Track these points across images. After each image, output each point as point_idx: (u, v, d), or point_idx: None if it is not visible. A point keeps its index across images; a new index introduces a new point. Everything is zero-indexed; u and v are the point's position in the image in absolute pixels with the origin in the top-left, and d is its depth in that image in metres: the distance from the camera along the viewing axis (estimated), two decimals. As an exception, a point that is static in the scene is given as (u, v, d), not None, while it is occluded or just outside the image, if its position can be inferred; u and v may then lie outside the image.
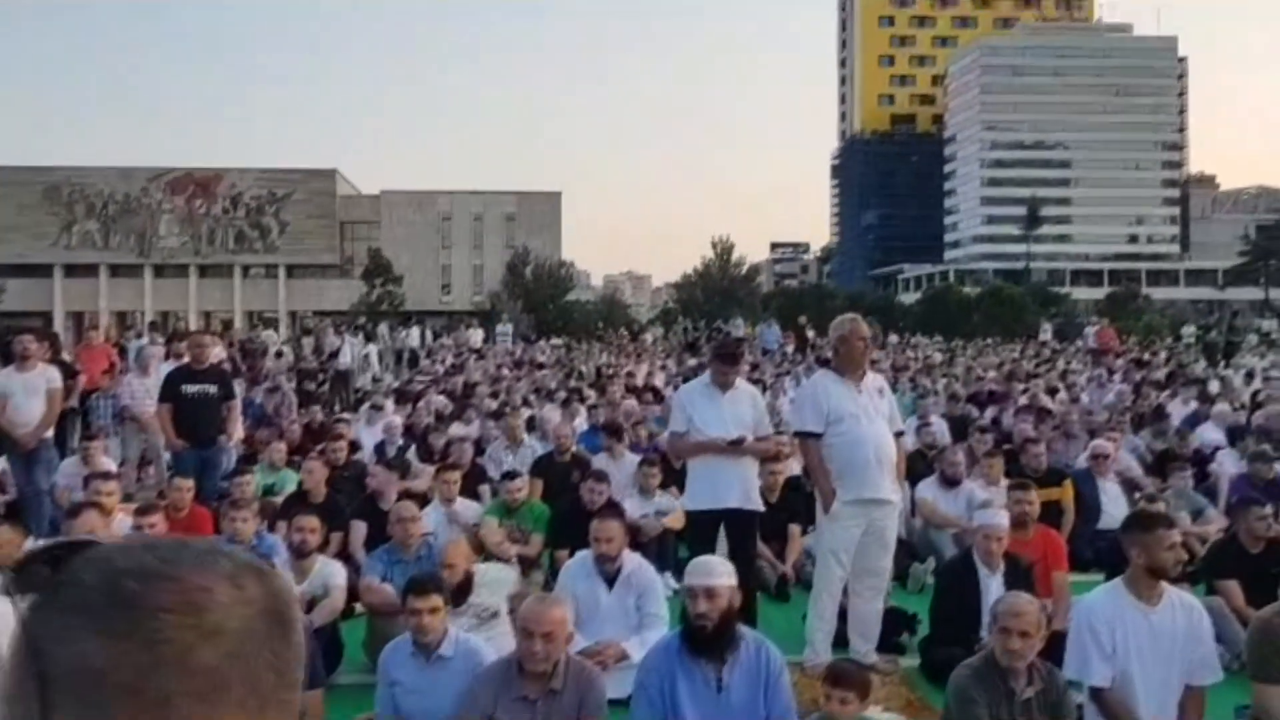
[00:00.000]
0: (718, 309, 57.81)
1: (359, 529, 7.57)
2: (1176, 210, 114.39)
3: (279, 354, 20.77)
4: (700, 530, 6.13)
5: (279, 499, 8.40)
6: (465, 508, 7.87)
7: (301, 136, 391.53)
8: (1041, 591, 5.95)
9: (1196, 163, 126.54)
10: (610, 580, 5.51)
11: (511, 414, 11.38)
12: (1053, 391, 15.85)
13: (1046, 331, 36.17)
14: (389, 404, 14.43)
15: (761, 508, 6.25)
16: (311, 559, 5.97)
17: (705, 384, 6.35)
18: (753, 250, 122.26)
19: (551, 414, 13.39)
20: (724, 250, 72.85)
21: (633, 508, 7.78)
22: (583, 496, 7.40)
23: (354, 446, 11.03)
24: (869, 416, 5.62)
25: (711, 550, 6.14)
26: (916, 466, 9.56)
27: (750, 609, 6.06)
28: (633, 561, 5.62)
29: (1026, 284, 75.89)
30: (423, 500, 7.77)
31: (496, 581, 5.34)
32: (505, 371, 21.41)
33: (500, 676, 3.94)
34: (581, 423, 12.59)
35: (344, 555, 7.10)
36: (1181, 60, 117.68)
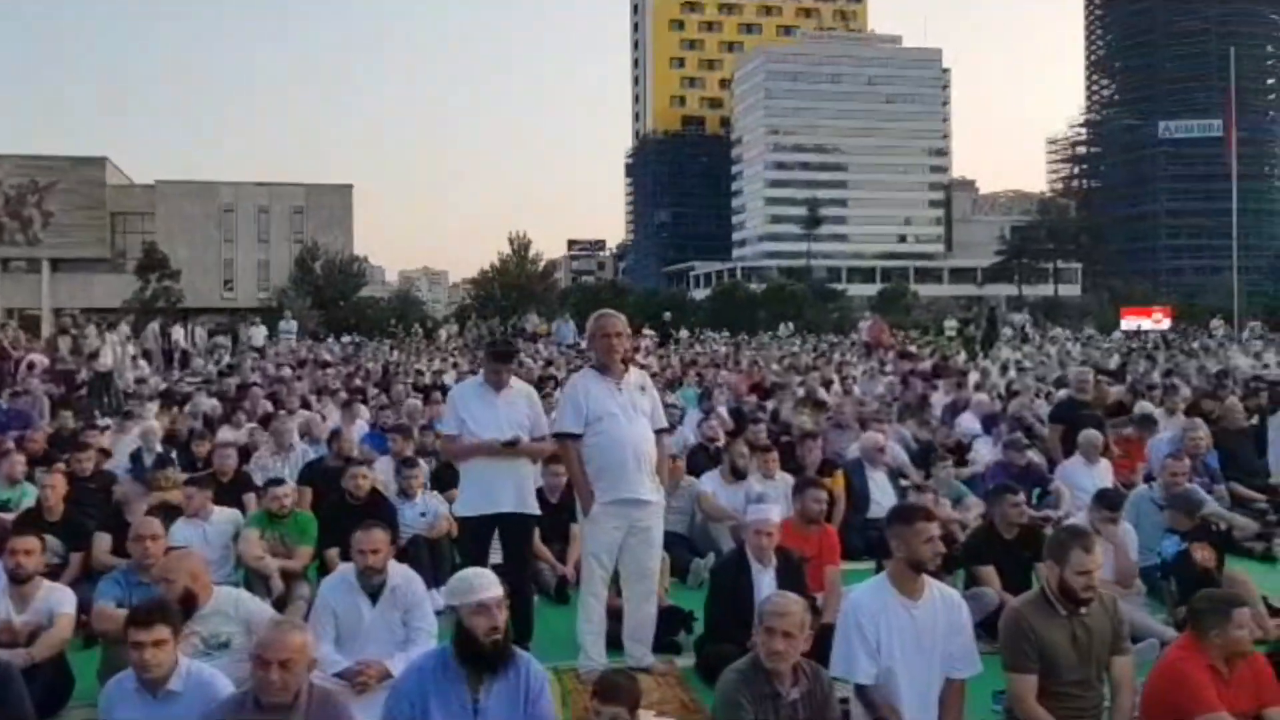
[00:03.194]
0: (515, 306, 57.49)
1: (102, 544, 6.91)
2: (941, 212, 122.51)
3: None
4: (473, 536, 5.89)
5: (12, 516, 7.56)
6: (223, 519, 7.31)
7: (68, 123, 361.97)
8: (814, 586, 6.06)
9: (959, 168, 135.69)
10: (374, 594, 5.18)
11: (280, 417, 10.74)
12: (828, 384, 16.50)
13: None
14: (152, 407, 13.42)
15: (537, 511, 6.07)
16: (33, 584, 5.34)
17: (478, 383, 6.10)
18: (550, 247, 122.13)
19: (331, 415, 12.80)
20: (521, 247, 72.54)
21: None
22: (344, 486, 7.05)
23: (106, 455, 10.14)
24: (629, 415, 5.52)
25: (485, 557, 5.94)
26: (699, 460, 9.71)
27: (526, 615, 5.89)
28: (399, 574, 5.30)
29: (808, 281, 79.31)
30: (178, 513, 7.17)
31: (235, 609, 4.88)
32: (286, 371, 20.39)
33: (234, 711, 3.58)
34: (364, 424, 12.07)
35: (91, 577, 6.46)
36: (945, 71, 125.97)
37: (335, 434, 9.54)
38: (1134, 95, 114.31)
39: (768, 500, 7.37)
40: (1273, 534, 7.77)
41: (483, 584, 3.81)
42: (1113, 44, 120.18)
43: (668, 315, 41.20)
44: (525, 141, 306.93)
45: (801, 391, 14.53)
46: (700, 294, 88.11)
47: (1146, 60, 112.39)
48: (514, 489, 5.84)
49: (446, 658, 3.84)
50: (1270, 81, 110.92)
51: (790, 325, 42.38)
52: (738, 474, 8.24)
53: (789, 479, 7.87)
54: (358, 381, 18.50)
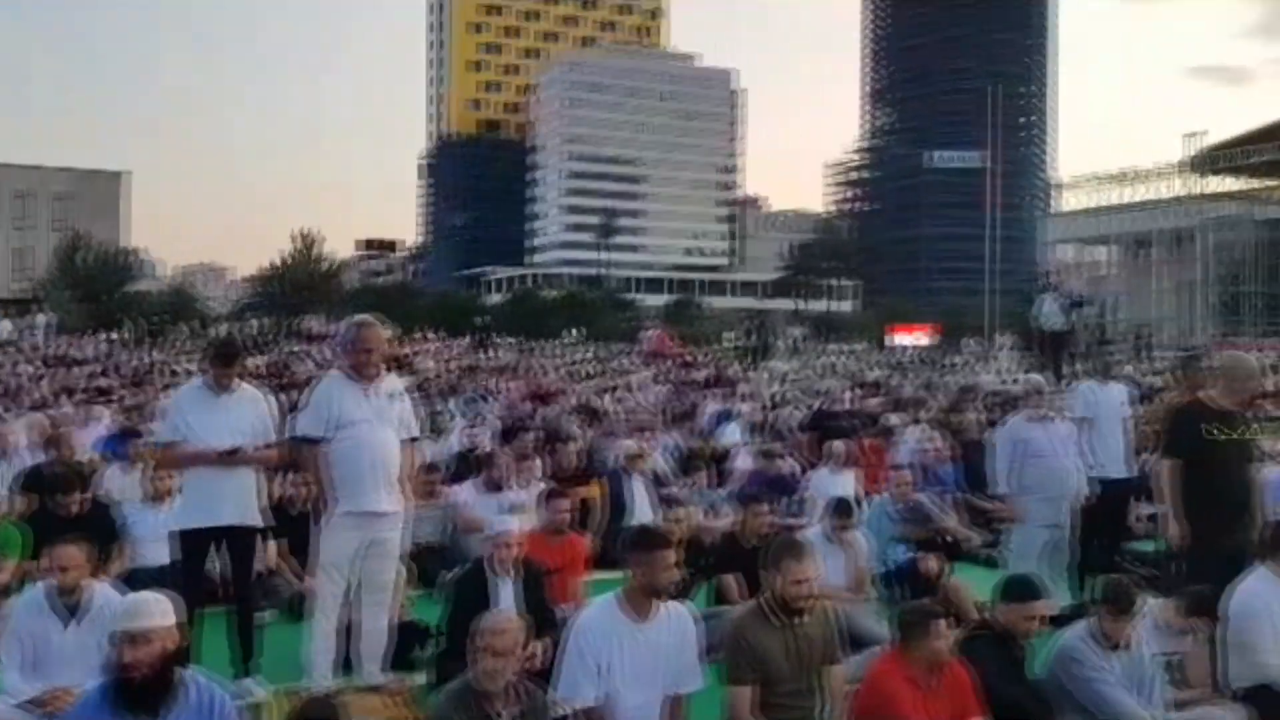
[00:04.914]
0: (300, 305, 55.29)
1: None
2: (729, 227, 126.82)
3: None
4: (189, 551, 5.47)
5: None
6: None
7: None
8: (559, 598, 5.98)
9: (750, 185, 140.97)
10: (70, 615, 4.71)
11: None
12: (606, 392, 16.63)
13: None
14: None
15: (260, 523, 5.70)
16: None
17: (200, 387, 5.68)
18: (341, 246, 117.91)
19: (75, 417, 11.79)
20: (307, 244, 69.70)
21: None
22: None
23: None
24: (375, 423, 5.28)
25: (200, 573, 5.55)
26: (463, 468, 9.50)
27: (248, 633, 5.53)
28: (102, 594, 4.83)
29: (602, 289, 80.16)
30: None
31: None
32: (29, 369, 18.72)
33: None
34: (104, 427, 11.17)
35: None
36: (736, 92, 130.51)
37: (56, 438, 8.75)
38: (906, 125, 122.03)
39: (525, 509, 7.27)
40: (997, 542, 8.27)
41: (147, 610, 3.46)
42: (888, 77, 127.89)
43: (480, 320, 40.47)
44: (317, 137, 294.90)
45: (576, 400, 14.54)
46: (495, 299, 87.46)
47: (918, 93, 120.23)
48: (235, 500, 5.46)
49: (107, 692, 3.47)
50: (1028, 119, 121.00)
51: (575, 332, 42.52)
52: (492, 484, 8.08)
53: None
54: (103, 381, 17.18)
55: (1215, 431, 5.30)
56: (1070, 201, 68.99)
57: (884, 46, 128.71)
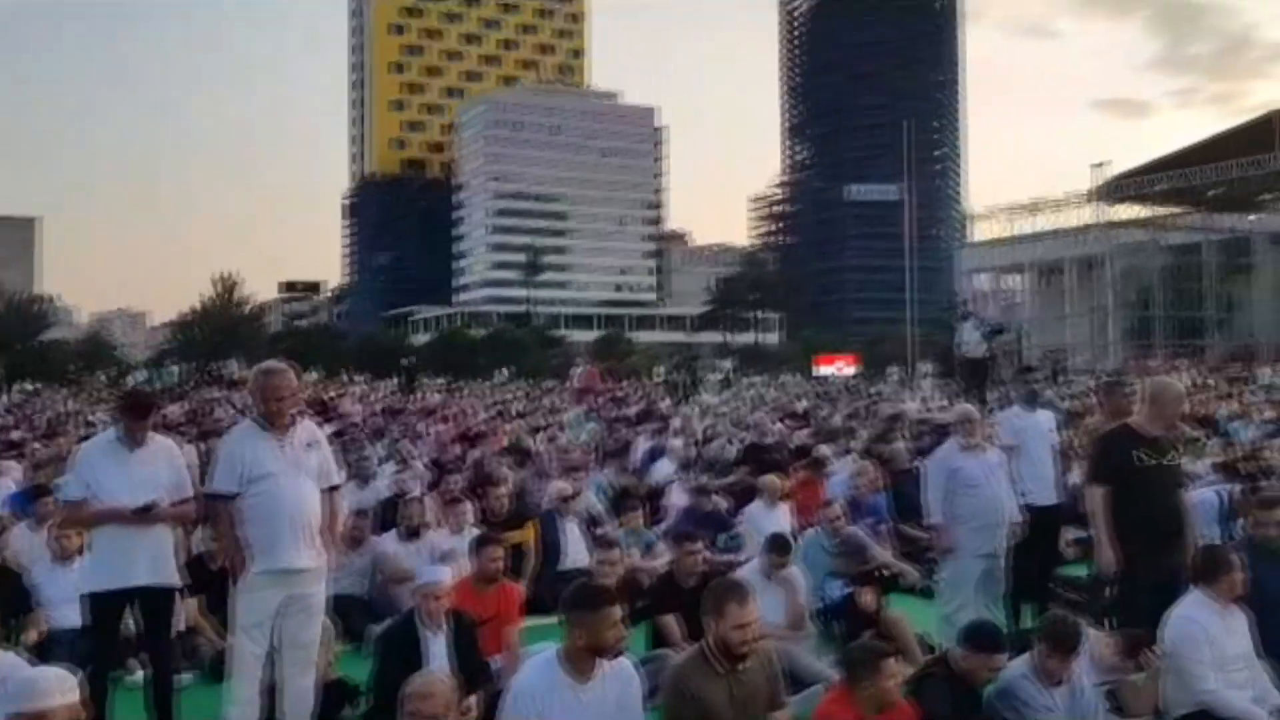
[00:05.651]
0: (220, 350, 54.14)
1: None
2: (655, 262, 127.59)
3: None
4: (100, 615, 5.18)
5: None
6: None
7: None
8: (492, 649, 5.79)
9: (673, 220, 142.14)
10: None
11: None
12: (537, 431, 16.42)
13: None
14: None
15: (177, 582, 5.43)
16: None
17: (110, 440, 5.40)
18: (262, 289, 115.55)
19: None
20: (227, 288, 68.50)
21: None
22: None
23: None
24: (291, 475, 5.06)
25: (115, 637, 5.27)
26: (389, 515, 9.22)
27: (166, 698, 5.26)
28: (7, 665, 4.52)
29: (529, 327, 79.92)
30: None
31: None
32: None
33: None
34: (11, 483, 10.65)
35: None
36: (659, 129, 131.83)
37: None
38: (825, 160, 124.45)
39: (456, 557, 7.07)
40: (931, 572, 8.28)
41: (45, 688, 3.22)
42: (806, 113, 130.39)
43: (406, 361, 40.03)
44: (237, 178, 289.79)
45: (507, 440, 14.31)
46: (421, 339, 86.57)
47: (835, 128, 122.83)
48: (149, 559, 5.19)
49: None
50: (941, 152, 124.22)
51: (506, 371, 42.27)
52: (410, 531, 7.85)
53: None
54: (15, 434, 16.49)
55: (1145, 457, 5.35)
56: (985, 231, 70.84)
57: (801, 83, 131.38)
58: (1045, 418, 7.82)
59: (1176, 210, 64.51)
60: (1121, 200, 61.05)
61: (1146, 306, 64.65)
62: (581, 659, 3.96)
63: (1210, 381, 34.68)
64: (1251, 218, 66.35)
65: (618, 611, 3.98)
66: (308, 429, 5.43)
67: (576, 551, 8.26)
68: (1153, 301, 64.32)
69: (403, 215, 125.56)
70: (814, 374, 50.21)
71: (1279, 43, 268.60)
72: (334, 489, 5.41)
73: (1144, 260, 64.21)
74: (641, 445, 13.76)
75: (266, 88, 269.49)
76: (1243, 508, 6.65)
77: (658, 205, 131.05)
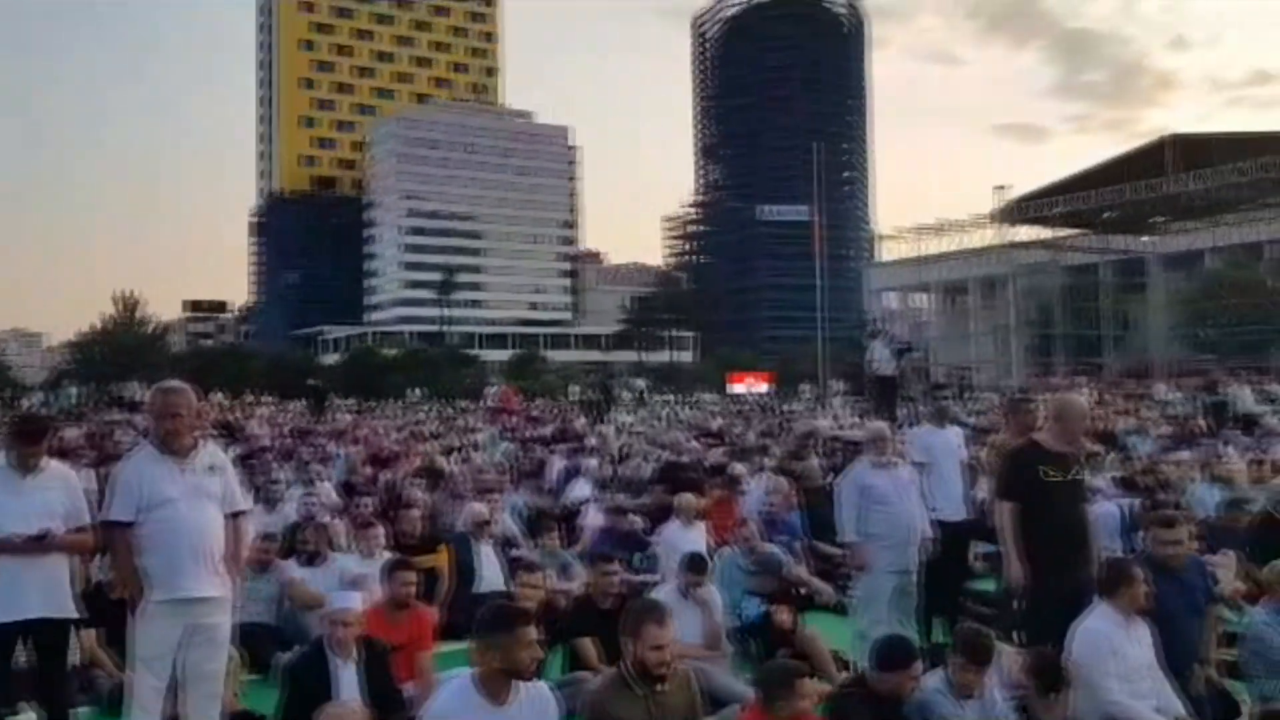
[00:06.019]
0: (121, 371, 52.50)
1: None
2: (570, 281, 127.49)
3: None
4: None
5: None
6: None
7: None
8: (404, 675, 5.67)
9: (588, 239, 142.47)
10: None
11: None
12: (451, 451, 16.20)
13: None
14: None
15: (73, 614, 5.19)
16: None
17: (2, 467, 5.15)
18: (166, 309, 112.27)
19: None
20: (129, 307, 66.56)
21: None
22: None
23: None
24: (193, 500, 4.88)
25: (6, 672, 5.01)
26: (297, 539, 8.98)
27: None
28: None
29: (443, 346, 79.07)
30: None
31: None
32: None
33: None
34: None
35: None
36: (573, 148, 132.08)
37: None
38: (738, 180, 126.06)
39: (368, 582, 6.90)
40: (846, 588, 8.36)
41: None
42: (719, 134, 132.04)
43: (314, 381, 39.26)
44: (139, 195, 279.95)
45: (419, 461, 14.09)
46: (331, 359, 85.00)
47: (747, 149, 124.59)
48: (43, 590, 4.96)
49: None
50: (850, 174, 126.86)
51: (419, 391, 41.67)
52: (310, 558, 7.66)
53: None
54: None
55: (1051, 473, 5.48)
56: (892, 251, 72.50)
57: (713, 105, 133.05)
58: (954, 434, 7.97)
59: (1074, 232, 66.90)
60: (1022, 222, 63.07)
61: (1047, 325, 66.84)
62: (497, 682, 3.89)
63: (1109, 397, 35.97)
64: (1145, 239, 69.14)
65: (532, 632, 3.92)
66: (211, 452, 5.25)
67: (492, 574, 8.15)
68: (1053, 320, 66.54)
69: (313, 233, 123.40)
70: (728, 392, 50.62)
71: (1170, 71, 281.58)
72: (239, 514, 5.24)
73: (1044, 280, 66.43)
74: (557, 465, 13.67)
75: (171, 101, 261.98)
76: (1143, 522, 6.84)
77: (572, 224, 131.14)
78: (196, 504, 4.91)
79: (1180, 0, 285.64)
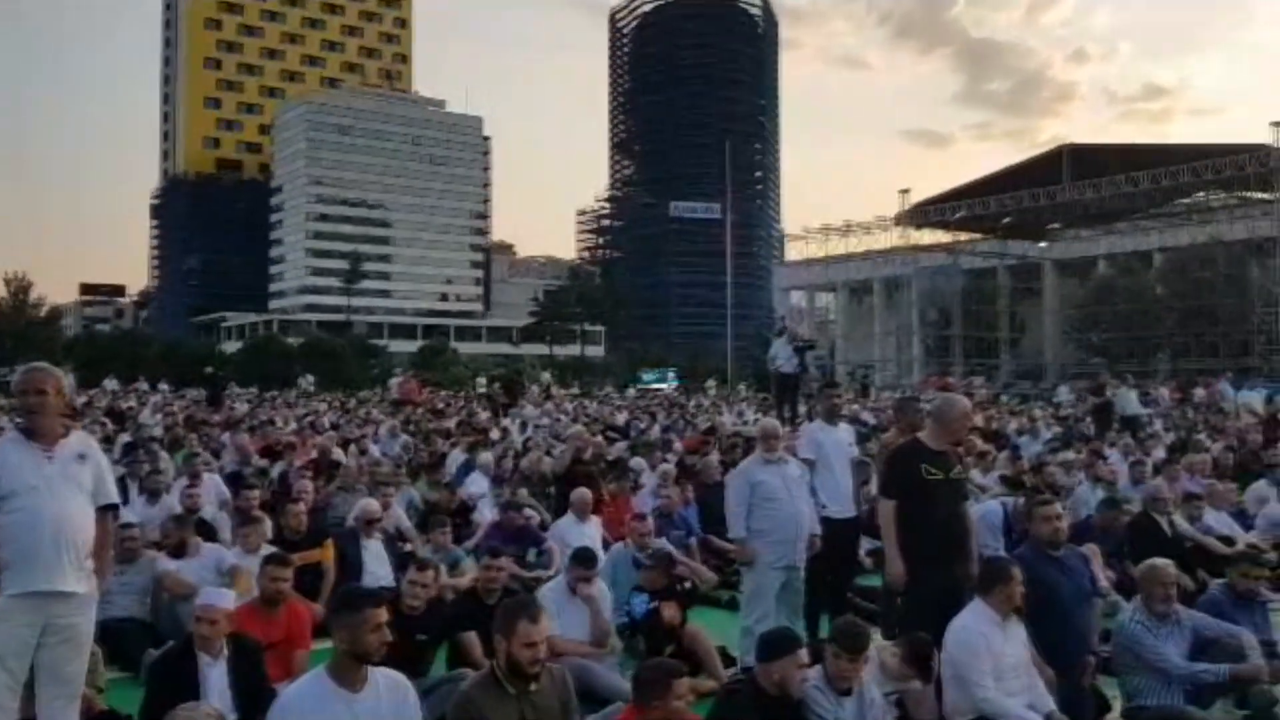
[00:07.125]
0: (8, 356, 50.48)
1: None
2: (480, 273, 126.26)
3: None
4: None
5: None
6: None
7: None
8: (279, 675, 5.48)
9: (499, 231, 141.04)
10: None
11: None
12: (349, 443, 15.83)
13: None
14: None
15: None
16: None
17: None
18: (59, 292, 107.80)
19: None
20: (18, 289, 64.17)
21: None
22: None
23: None
24: (56, 489, 4.64)
25: None
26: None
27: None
28: None
29: (348, 336, 77.51)
30: None
31: None
32: None
33: None
34: None
35: None
36: (486, 139, 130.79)
37: None
38: (650, 176, 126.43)
39: (250, 575, 6.67)
40: (734, 583, 8.40)
41: None
42: (632, 129, 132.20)
43: (210, 369, 38.08)
44: (31, 174, 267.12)
45: (315, 454, 13.71)
46: (232, 346, 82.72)
47: (660, 146, 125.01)
48: None
49: None
50: (759, 174, 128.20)
51: (310, 379, 40.63)
52: (174, 551, 7.42)
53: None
54: None
55: (932, 471, 5.56)
56: (800, 251, 73.59)
57: (627, 100, 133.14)
58: (845, 432, 8.06)
59: (974, 236, 68.81)
60: (924, 225, 64.65)
61: (946, 326, 68.62)
62: (349, 667, 3.78)
63: (1003, 398, 37.03)
64: (1041, 245, 71.48)
65: (382, 614, 3.82)
66: (80, 439, 5.00)
67: (379, 569, 7.98)
68: (952, 321, 68.33)
69: (215, 217, 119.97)
70: (637, 386, 50.71)
71: (1068, 83, 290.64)
72: (110, 508, 5.00)
73: (944, 283, 68.17)
74: (457, 458, 13.46)
75: (71, 76, 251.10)
76: (1024, 510, 6.97)
77: (484, 215, 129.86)
78: (61, 493, 4.66)
79: (1081, 14, 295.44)
